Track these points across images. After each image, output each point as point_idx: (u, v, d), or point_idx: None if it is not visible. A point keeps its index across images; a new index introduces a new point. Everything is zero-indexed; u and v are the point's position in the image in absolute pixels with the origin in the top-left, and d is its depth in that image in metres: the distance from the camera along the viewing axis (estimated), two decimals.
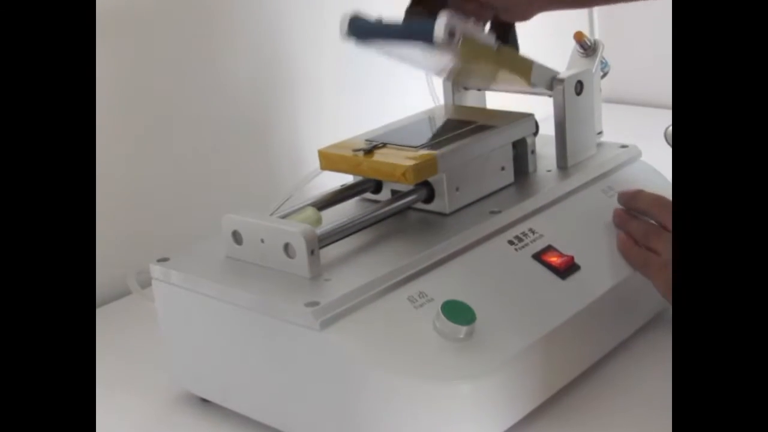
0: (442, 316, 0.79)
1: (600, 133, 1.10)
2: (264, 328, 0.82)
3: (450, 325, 0.79)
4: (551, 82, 1.01)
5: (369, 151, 0.95)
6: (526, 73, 1.00)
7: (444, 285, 0.84)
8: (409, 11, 0.98)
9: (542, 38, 1.02)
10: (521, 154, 1.02)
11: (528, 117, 1.02)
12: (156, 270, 0.90)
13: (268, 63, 1.34)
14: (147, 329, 0.98)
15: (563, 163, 1.03)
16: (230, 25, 1.29)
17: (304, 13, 1.37)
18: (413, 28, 0.93)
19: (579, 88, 1.03)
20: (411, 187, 0.94)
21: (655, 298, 0.92)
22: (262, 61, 1.33)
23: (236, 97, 1.31)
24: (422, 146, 0.95)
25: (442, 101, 1.12)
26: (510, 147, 1.00)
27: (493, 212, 0.94)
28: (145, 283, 0.96)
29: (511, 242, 0.92)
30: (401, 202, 0.93)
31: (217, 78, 1.28)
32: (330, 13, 1.38)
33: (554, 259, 0.91)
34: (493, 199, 0.97)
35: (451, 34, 0.89)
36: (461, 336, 0.79)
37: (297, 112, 1.38)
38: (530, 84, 1.01)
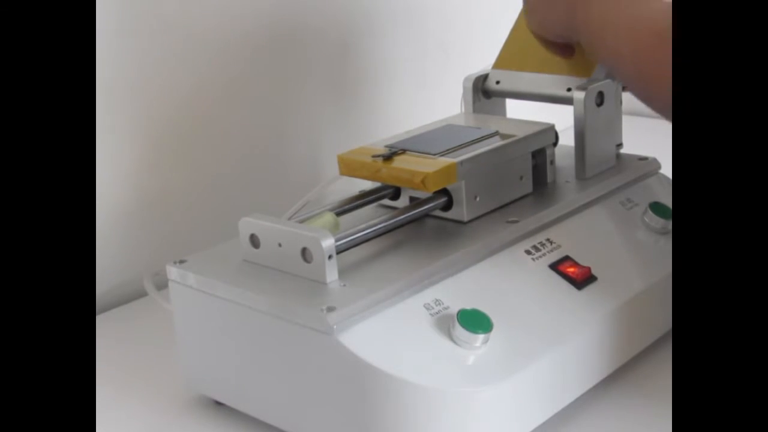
0: (458, 325, 0.79)
1: (620, 145, 1.10)
2: (280, 332, 0.82)
3: (466, 334, 0.79)
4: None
5: (388, 158, 0.95)
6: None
7: (460, 293, 0.84)
8: None
9: None
10: (540, 164, 1.02)
11: (548, 127, 1.02)
12: (173, 272, 0.90)
13: (289, 66, 1.34)
14: (163, 331, 0.98)
15: (582, 174, 1.03)
16: (248, 24, 1.29)
17: (328, 13, 1.37)
18: None
19: (600, 99, 1.02)
20: (429, 194, 0.94)
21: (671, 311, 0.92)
22: (283, 64, 1.33)
23: (256, 101, 1.31)
24: (442, 154, 0.95)
25: (462, 110, 1.12)
26: (529, 157, 1.00)
27: (510, 221, 0.93)
28: (161, 285, 0.96)
29: (528, 252, 0.92)
30: (419, 210, 0.93)
31: (236, 81, 1.28)
32: (356, 14, 1.38)
33: (571, 270, 0.91)
34: (511, 209, 0.97)
35: None
36: (477, 344, 0.79)
37: (317, 117, 1.38)
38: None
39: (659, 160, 1.09)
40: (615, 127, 1.07)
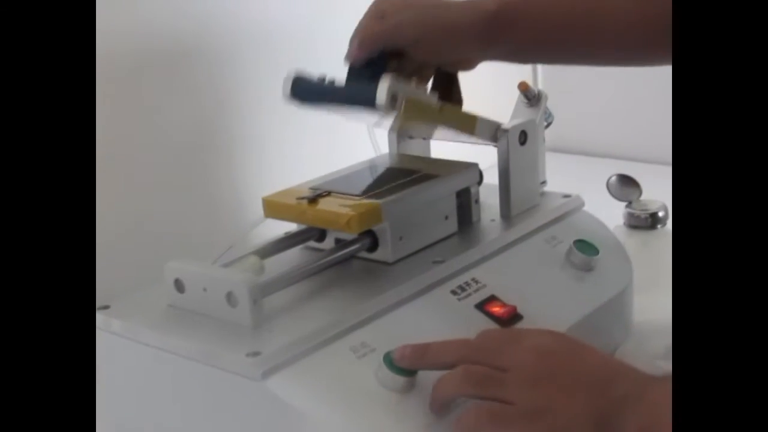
0: (384, 367, 0.79)
1: (544, 182, 1.11)
2: (205, 378, 0.81)
3: (392, 376, 0.79)
4: (495, 133, 1.02)
5: (313, 200, 0.94)
6: (471, 128, 1.00)
7: (386, 335, 0.84)
8: (351, 72, 0.98)
9: (487, 88, 1.02)
10: (465, 203, 1.02)
11: (472, 166, 1.02)
12: (97, 318, 0.89)
13: (211, 109, 1.33)
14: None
15: (507, 213, 1.04)
16: (172, 69, 1.28)
17: (252, 58, 1.37)
18: (356, 94, 0.94)
19: (523, 138, 1.03)
20: (355, 235, 0.94)
21: (599, 347, 0.92)
22: (205, 107, 1.33)
23: (178, 144, 1.30)
24: (366, 195, 0.95)
25: (385, 150, 1.12)
26: (454, 196, 1.01)
27: (436, 262, 0.94)
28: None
29: (454, 292, 0.92)
30: (345, 251, 0.93)
31: (159, 124, 1.28)
32: (277, 61, 1.38)
33: (497, 309, 0.91)
34: (436, 249, 0.97)
35: (393, 99, 0.90)
36: (403, 387, 0.79)
37: (240, 160, 1.37)
38: (474, 137, 1.01)
39: (583, 197, 1.10)
40: (539, 165, 1.08)
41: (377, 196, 0.94)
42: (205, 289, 0.85)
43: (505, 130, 1.01)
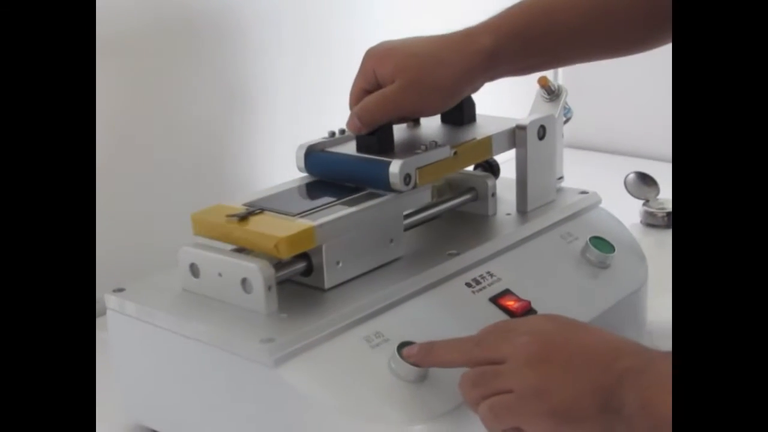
0: (398, 357, 0.79)
1: (561, 178, 1.11)
2: (218, 363, 0.82)
3: (405, 366, 0.79)
4: (513, 137, 1.02)
5: (244, 218, 0.87)
6: (488, 152, 1.00)
7: (400, 325, 0.84)
8: (360, 140, 0.96)
9: (506, 82, 1.02)
10: (482, 196, 1.02)
11: (423, 187, 0.94)
12: (111, 300, 0.90)
13: (224, 93, 1.33)
14: (99, 359, 0.96)
15: (523, 207, 1.04)
16: (185, 54, 1.28)
17: (264, 40, 1.37)
18: (369, 177, 0.92)
19: (542, 132, 1.03)
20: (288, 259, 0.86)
21: None
22: (218, 91, 1.33)
23: (193, 128, 1.31)
24: (302, 214, 0.87)
25: None
26: (401, 218, 0.94)
27: (451, 254, 0.93)
28: (99, 312, 0.95)
29: (468, 284, 0.92)
30: (278, 274, 0.85)
31: (173, 108, 1.28)
32: (289, 42, 1.38)
33: (511, 303, 0.91)
34: (451, 241, 0.97)
35: (406, 178, 0.89)
36: (415, 377, 0.79)
37: (254, 148, 1.38)
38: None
39: (600, 193, 1.10)
40: (556, 161, 1.08)
41: (313, 216, 0.87)
42: (220, 275, 0.85)
43: (524, 126, 1.01)
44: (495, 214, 1.03)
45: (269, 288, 0.82)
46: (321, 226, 0.85)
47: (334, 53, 1.44)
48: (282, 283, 0.86)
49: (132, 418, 0.93)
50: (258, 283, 0.82)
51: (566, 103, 1.11)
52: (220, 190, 1.26)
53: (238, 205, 0.90)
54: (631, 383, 0.70)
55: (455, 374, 0.80)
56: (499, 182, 1.05)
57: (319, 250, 0.86)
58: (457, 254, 0.93)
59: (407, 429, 0.77)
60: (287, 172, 1.00)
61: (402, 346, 0.80)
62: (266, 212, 0.88)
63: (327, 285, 0.87)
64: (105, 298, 0.90)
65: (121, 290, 0.90)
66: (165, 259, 0.92)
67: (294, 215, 0.87)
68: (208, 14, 1.29)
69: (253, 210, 0.88)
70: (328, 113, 1.14)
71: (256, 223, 0.86)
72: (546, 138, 1.04)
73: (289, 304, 0.84)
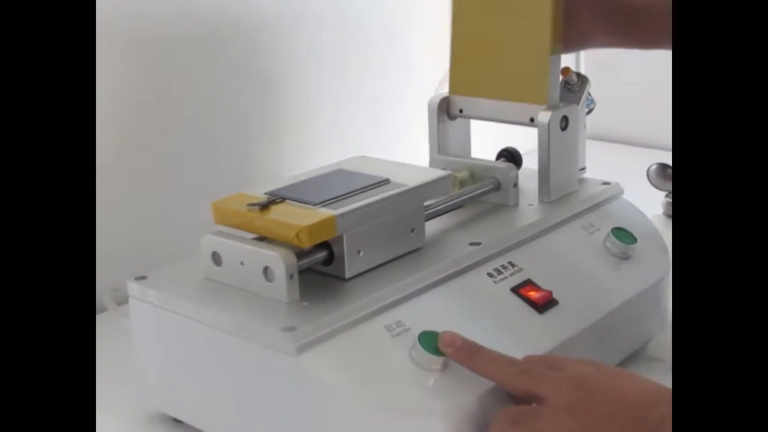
0: (419, 346, 0.79)
1: (583, 169, 1.10)
2: (240, 351, 0.82)
3: (426, 356, 0.79)
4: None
5: (265, 206, 0.87)
6: None
7: (422, 315, 0.84)
8: None
9: None
10: (504, 187, 1.02)
11: (444, 176, 0.95)
12: (133, 288, 0.90)
13: (249, 82, 1.34)
14: (121, 347, 0.97)
15: (545, 198, 1.04)
16: (214, 47, 1.29)
17: (295, 35, 1.37)
18: None
19: (564, 123, 1.03)
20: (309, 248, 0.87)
21: (633, 337, 0.92)
22: (248, 79, 1.33)
23: (219, 118, 1.31)
24: (323, 204, 0.87)
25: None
26: (422, 208, 0.94)
27: (473, 244, 0.93)
28: (121, 301, 0.95)
29: (490, 274, 0.92)
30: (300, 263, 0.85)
31: (199, 99, 1.28)
32: (321, 38, 1.39)
33: (533, 294, 0.91)
34: (473, 231, 0.97)
35: None
36: (437, 367, 0.79)
37: (281, 137, 1.38)
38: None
39: (622, 185, 1.10)
40: (579, 152, 1.08)
41: (334, 205, 0.87)
42: (242, 263, 0.85)
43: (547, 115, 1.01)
44: (517, 204, 1.03)
45: (291, 276, 0.82)
46: (342, 215, 0.85)
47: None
48: (303, 272, 0.85)
49: (153, 406, 0.93)
50: (280, 272, 0.82)
51: (589, 94, 1.11)
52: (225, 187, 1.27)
53: (259, 194, 0.90)
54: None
55: None
56: (521, 173, 1.05)
57: (340, 239, 0.86)
58: (479, 244, 0.93)
59: (428, 418, 0.77)
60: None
61: (423, 335, 0.80)
62: (287, 201, 0.88)
63: (348, 274, 0.87)
64: (127, 285, 0.90)
65: (143, 278, 0.90)
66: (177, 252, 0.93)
67: (315, 204, 0.87)
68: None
69: (274, 199, 0.89)
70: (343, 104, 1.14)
71: (278, 212, 0.87)
72: (568, 129, 1.04)
73: (311, 293, 0.84)
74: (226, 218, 0.89)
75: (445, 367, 0.79)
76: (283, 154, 1.38)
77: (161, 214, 1.26)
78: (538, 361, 0.81)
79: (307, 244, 0.84)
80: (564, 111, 1.03)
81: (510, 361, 0.80)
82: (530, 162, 1.06)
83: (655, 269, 1.03)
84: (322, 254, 0.87)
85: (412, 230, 0.92)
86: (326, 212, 0.85)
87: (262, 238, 0.89)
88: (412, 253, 0.92)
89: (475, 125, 1.14)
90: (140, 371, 0.92)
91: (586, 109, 1.11)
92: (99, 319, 1.14)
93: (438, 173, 0.95)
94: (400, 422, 0.77)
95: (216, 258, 0.87)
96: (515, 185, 1.03)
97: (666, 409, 0.72)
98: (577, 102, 1.07)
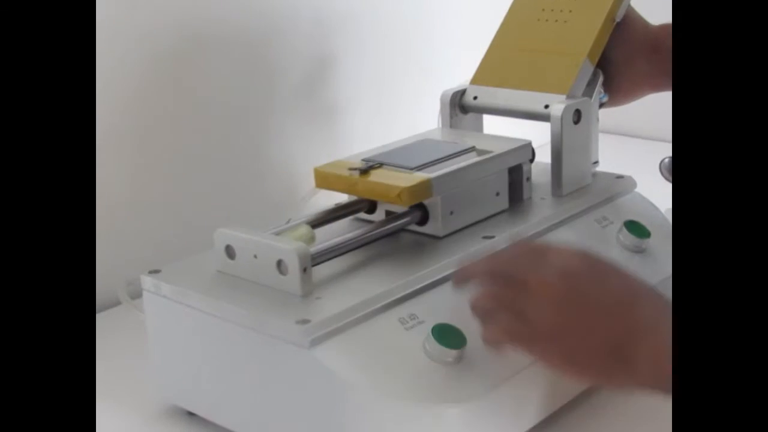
0: (432, 339, 0.79)
1: (596, 162, 1.10)
2: (253, 344, 0.82)
3: (440, 348, 0.79)
4: None
5: (365, 171, 0.94)
6: None
7: (435, 308, 0.84)
8: None
9: None
10: (516, 180, 1.02)
11: (524, 144, 1.02)
12: (147, 281, 0.90)
13: (265, 79, 1.34)
14: (135, 340, 0.97)
15: (558, 191, 1.04)
16: (225, 39, 1.29)
17: (303, 29, 1.37)
18: None
19: (577, 117, 1.03)
20: (405, 208, 0.94)
21: None
22: (258, 77, 1.33)
23: (233, 112, 1.31)
24: (418, 168, 0.94)
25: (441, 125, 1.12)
26: (506, 173, 1.00)
27: (486, 237, 0.94)
28: (135, 294, 0.96)
29: None
30: (395, 224, 0.94)
31: (213, 94, 1.28)
32: (332, 29, 1.39)
33: None
34: (486, 224, 0.97)
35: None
36: (450, 359, 0.79)
37: (292, 131, 1.38)
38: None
39: (635, 178, 1.10)
40: (592, 145, 1.08)
41: (429, 170, 0.94)
42: (255, 256, 0.85)
43: (559, 109, 1.01)
44: (530, 197, 1.03)
45: (304, 270, 0.83)
46: (438, 178, 0.92)
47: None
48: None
49: (167, 399, 0.94)
50: (293, 265, 0.82)
51: (602, 88, 1.10)
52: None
53: (356, 161, 0.97)
54: (645, 339, 0.72)
55: (489, 357, 0.80)
56: (534, 166, 1.04)
57: (435, 201, 0.94)
58: (492, 237, 0.94)
59: (441, 410, 0.78)
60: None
61: (437, 328, 0.80)
62: (384, 166, 0.95)
63: (442, 233, 0.94)
64: (141, 279, 0.90)
65: (157, 272, 0.90)
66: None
67: (411, 169, 0.94)
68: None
69: (372, 164, 0.96)
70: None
71: (378, 176, 0.94)
72: (581, 122, 1.03)
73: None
74: (329, 182, 0.96)
75: (458, 359, 0.79)
76: (294, 149, 1.38)
77: (174, 209, 1.26)
78: (526, 251, 0.82)
79: (408, 203, 0.91)
80: (577, 104, 1.03)
81: (492, 255, 0.84)
82: (543, 156, 1.06)
83: (668, 262, 1.02)
84: (417, 214, 0.94)
85: (497, 193, 1.00)
86: (423, 175, 0.93)
87: (275, 233, 0.90)
88: (428, 246, 0.93)
89: (488, 120, 1.14)
90: (154, 364, 0.93)
91: (599, 103, 1.11)
92: (113, 312, 1.15)
93: (517, 142, 1.02)
94: (414, 414, 0.77)
95: (229, 251, 0.88)
96: (528, 179, 1.03)
97: (647, 313, 0.74)
98: (590, 95, 1.07)
